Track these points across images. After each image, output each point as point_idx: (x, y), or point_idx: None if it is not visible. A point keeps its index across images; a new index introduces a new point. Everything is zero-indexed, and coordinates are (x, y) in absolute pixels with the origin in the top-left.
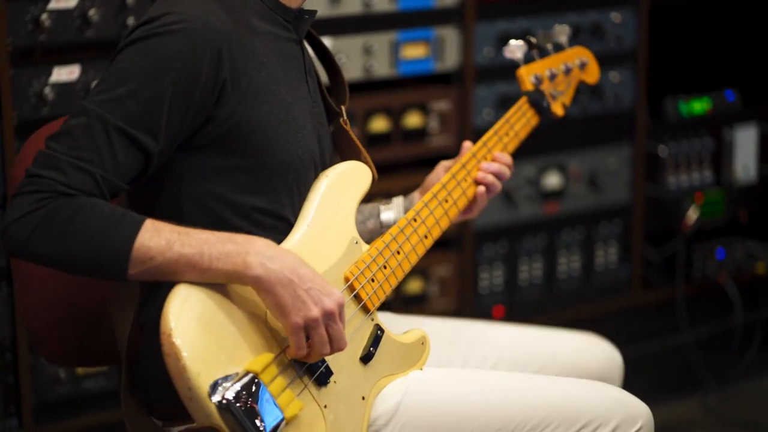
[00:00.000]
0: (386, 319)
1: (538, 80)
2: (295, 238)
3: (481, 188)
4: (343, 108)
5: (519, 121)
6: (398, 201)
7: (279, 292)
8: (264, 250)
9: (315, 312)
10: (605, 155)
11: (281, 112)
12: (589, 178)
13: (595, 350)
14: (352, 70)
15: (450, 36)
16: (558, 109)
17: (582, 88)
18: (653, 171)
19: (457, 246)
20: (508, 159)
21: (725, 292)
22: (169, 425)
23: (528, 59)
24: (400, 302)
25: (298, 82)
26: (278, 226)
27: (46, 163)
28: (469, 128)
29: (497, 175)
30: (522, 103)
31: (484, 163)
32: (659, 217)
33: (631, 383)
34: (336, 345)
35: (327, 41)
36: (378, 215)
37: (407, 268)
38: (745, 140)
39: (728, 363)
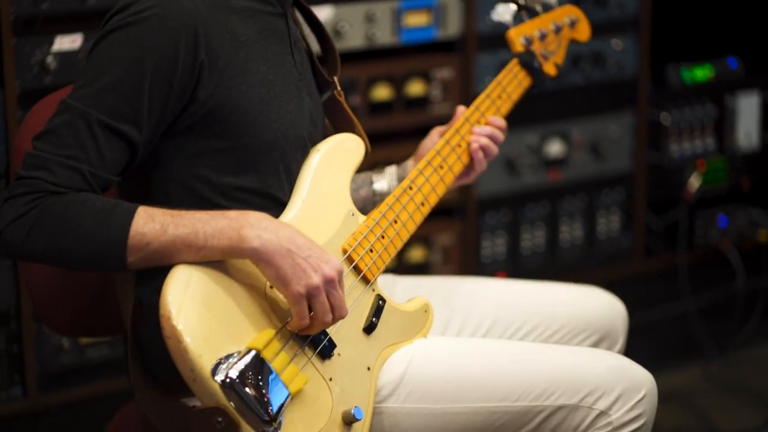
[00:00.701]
0: (386, 281)
1: (528, 41)
2: (290, 214)
3: (477, 150)
4: (335, 79)
5: (511, 83)
6: (391, 170)
7: (278, 263)
8: (258, 222)
9: (316, 279)
10: (608, 123)
11: (261, 91)
12: (592, 146)
13: (597, 302)
14: (354, 38)
15: (452, 4)
16: (550, 69)
17: (584, 56)
18: (656, 139)
19: (460, 214)
20: (501, 122)
21: (728, 260)
22: (177, 397)
23: (517, 21)
24: (402, 271)
25: (281, 57)
26: (266, 205)
27: (33, 164)
28: (471, 96)
29: (491, 138)
30: (513, 65)
31: (476, 127)
32: (662, 184)
33: (633, 351)
34: (337, 313)
35: (329, 10)
36: (371, 184)
37: (405, 236)
38: (747, 108)
39: (730, 330)
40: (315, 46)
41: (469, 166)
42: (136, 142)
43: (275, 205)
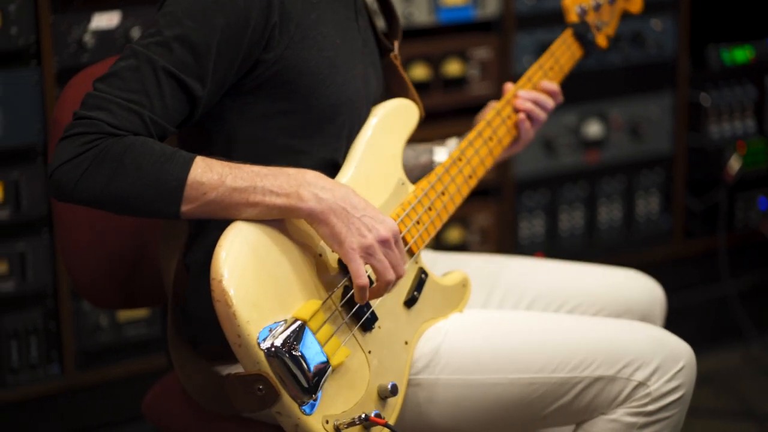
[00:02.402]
0: (427, 258)
1: (583, 11)
2: (343, 180)
3: (523, 120)
4: (396, 43)
5: (564, 54)
6: (452, 142)
7: (332, 221)
8: (316, 181)
9: (370, 239)
10: (647, 104)
11: (330, 54)
12: (631, 127)
13: (637, 286)
14: None
15: None
16: (602, 41)
17: (623, 36)
18: (695, 120)
19: (498, 195)
20: (552, 86)
21: (767, 242)
22: (216, 364)
23: None
24: (439, 251)
25: (348, 22)
26: (327, 172)
27: (94, 105)
28: (509, 76)
29: (537, 103)
30: (567, 36)
31: (521, 91)
32: (701, 166)
33: (672, 333)
34: (397, 272)
35: None
36: (431, 152)
37: (452, 209)
38: None
39: None
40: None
41: (516, 134)
42: (197, 96)
43: (335, 171)
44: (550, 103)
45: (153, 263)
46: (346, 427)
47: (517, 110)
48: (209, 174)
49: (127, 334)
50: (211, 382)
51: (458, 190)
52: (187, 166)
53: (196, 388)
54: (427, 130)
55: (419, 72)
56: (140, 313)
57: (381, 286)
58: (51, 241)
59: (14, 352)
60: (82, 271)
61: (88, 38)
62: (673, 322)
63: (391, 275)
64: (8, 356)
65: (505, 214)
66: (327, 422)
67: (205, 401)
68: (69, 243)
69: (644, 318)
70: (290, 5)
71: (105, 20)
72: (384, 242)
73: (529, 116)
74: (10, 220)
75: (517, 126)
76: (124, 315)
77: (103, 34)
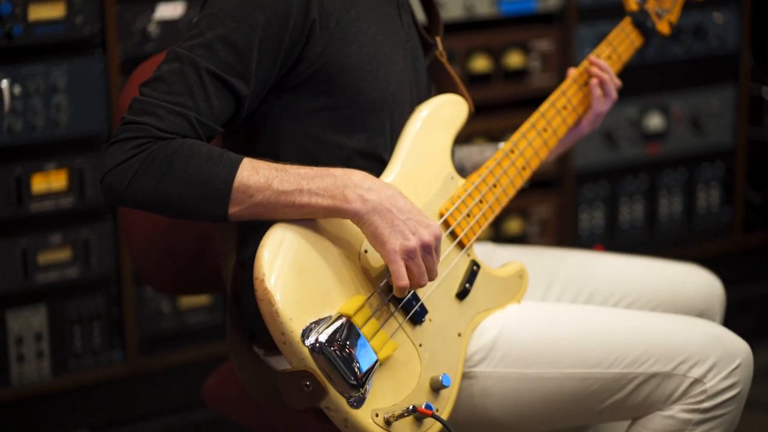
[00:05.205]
0: (486, 251)
1: None
2: (390, 176)
3: (596, 86)
4: (438, 39)
5: (622, 43)
6: None
7: (376, 222)
8: (362, 182)
9: (413, 242)
10: (708, 97)
11: (371, 50)
12: (692, 119)
13: (695, 281)
14: (453, 9)
15: None
16: (664, 28)
17: (685, 29)
18: (757, 113)
19: (558, 186)
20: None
21: None
22: (270, 355)
23: None
24: (499, 242)
25: (389, 18)
26: (372, 166)
27: (141, 110)
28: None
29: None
30: (625, 24)
31: (595, 59)
32: (762, 159)
33: (731, 327)
34: (430, 276)
35: None
36: (496, 148)
37: (504, 201)
38: None
39: None
40: (417, 8)
41: (583, 116)
42: (242, 95)
43: (380, 165)
44: (614, 89)
45: (214, 252)
46: (396, 420)
47: (592, 76)
48: (256, 177)
49: (189, 321)
50: (264, 376)
51: (511, 182)
52: (234, 168)
53: (251, 381)
54: (488, 122)
55: (480, 63)
56: (202, 300)
57: (411, 287)
58: (114, 228)
59: (77, 338)
60: (144, 257)
61: (152, 28)
62: (732, 316)
63: (425, 280)
64: (71, 342)
65: (566, 206)
66: (377, 415)
67: (259, 394)
68: (131, 230)
69: (703, 313)
70: (329, 3)
71: (169, 10)
72: (425, 246)
73: (602, 86)
74: (75, 208)
75: (577, 118)
76: (187, 302)
77: (167, 24)
